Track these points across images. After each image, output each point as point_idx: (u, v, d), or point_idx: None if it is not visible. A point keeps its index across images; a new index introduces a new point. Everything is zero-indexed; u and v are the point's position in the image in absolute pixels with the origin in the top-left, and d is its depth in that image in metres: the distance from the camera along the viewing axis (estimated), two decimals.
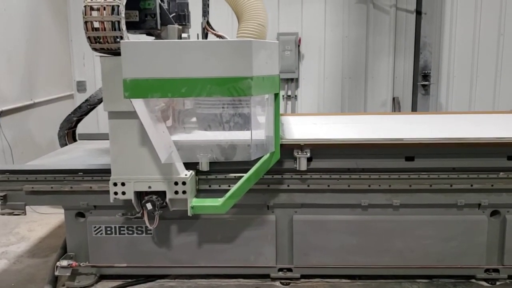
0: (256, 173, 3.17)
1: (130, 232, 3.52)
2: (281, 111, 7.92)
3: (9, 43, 5.62)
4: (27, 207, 3.52)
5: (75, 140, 4.43)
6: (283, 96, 7.94)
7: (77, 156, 3.95)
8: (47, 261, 4.03)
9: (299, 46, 7.72)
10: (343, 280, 3.59)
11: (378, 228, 3.50)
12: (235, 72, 2.73)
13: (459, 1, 7.42)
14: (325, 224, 3.50)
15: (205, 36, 3.67)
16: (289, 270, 3.60)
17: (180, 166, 3.18)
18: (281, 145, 3.38)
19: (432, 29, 7.12)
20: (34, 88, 6.13)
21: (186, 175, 3.17)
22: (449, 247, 3.48)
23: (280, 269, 3.60)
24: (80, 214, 3.58)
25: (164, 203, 3.19)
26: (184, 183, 3.13)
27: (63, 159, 3.84)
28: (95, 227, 3.52)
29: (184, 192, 3.14)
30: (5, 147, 5.41)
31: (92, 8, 2.88)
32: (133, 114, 2.89)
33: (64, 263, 3.52)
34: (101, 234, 3.53)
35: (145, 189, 3.16)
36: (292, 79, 7.86)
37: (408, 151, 3.39)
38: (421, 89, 7.01)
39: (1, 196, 3.45)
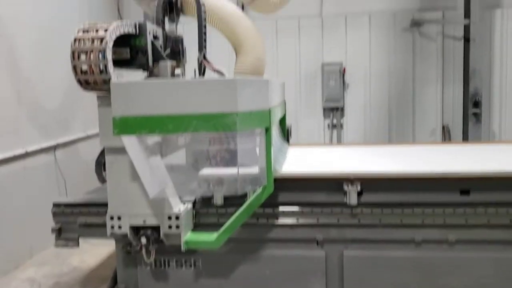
0: (248, 207, 3.14)
1: (179, 265, 3.53)
2: (327, 140, 7.92)
3: (65, 77, 5.89)
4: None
5: None
6: (328, 125, 7.92)
7: None
8: None
9: (343, 75, 7.72)
10: None
11: (432, 265, 3.35)
12: (220, 108, 2.77)
13: (508, 27, 7.23)
14: (377, 261, 3.38)
15: (202, 70, 3.72)
16: None
17: (174, 201, 3.19)
18: (330, 178, 3.35)
19: (481, 56, 6.96)
20: (87, 121, 6.37)
21: (179, 209, 3.17)
22: (510, 287, 3.28)
23: None
24: (131, 246, 3.63)
25: (160, 238, 3.19)
26: (177, 218, 3.13)
27: None
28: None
29: (177, 226, 3.13)
30: (59, 179, 5.62)
31: (80, 53, 2.96)
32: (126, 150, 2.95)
33: None
34: (150, 266, 3.56)
35: (140, 223, 3.17)
36: (337, 108, 7.83)
37: (463, 184, 3.26)
38: (472, 117, 6.81)
39: (57, 229, 3.56)
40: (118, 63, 3.15)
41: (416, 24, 7.41)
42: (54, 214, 3.60)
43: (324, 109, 7.91)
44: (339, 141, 7.88)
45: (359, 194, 3.29)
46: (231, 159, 3.41)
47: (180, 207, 3.22)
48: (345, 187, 3.27)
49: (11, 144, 4.86)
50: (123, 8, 7.74)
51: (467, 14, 7.20)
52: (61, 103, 5.83)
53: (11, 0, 5.00)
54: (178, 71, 3.46)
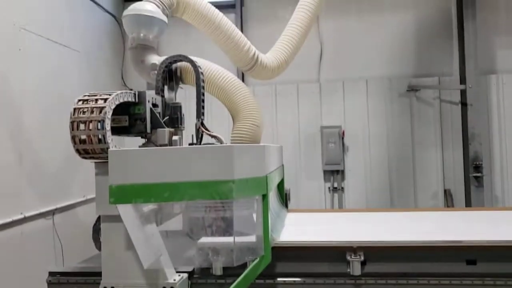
0: (245, 279, 3.03)
1: None
2: (328, 203, 7.85)
3: (66, 140, 5.94)
4: None
5: None
6: (329, 188, 7.88)
7: None
8: None
9: (343, 138, 7.78)
10: None
11: None
12: (216, 176, 2.73)
13: (504, 91, 7.36)
14: None
15: (200, 137, 3.77)
16: None
17: (169, 271, 3.11)
18: (332, 247, 3.28)
19: (479, 120, 7.03)
20: (86, 185, 6.34)
21: (174, 280, 3.09)
22: None
23: None
24: None
25: None
26: None
27: None
28: None
29: None
30: (56, 244, 5.51)
31: (79, 123, 2.99)
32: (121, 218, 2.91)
33: None
34: None
35: None
36: (337, 171, 7.82)
37: (469, 254, 3.18)
38: (474, 181, 6.79)
39: None
40: (116, 129, 3.16)
41: (412, 89, 7.55)
42: (49, 284, 3.49)
43: (325, 172, 7.90)
44: (341, 205, 7.80)
45: (363, 263, 3.20)
46: (227, 228, 3.35)
47: (175, 277, 3.13)
48: (348, 257, 3.19)
49: (10, 209, 4.81)
50: (126, 75, 7.93)
51: (462, 80, 7.36)
52: (61, 167, 5.82)
53: (17, 64, 5.12)
54: (175, 137, 3.49)
